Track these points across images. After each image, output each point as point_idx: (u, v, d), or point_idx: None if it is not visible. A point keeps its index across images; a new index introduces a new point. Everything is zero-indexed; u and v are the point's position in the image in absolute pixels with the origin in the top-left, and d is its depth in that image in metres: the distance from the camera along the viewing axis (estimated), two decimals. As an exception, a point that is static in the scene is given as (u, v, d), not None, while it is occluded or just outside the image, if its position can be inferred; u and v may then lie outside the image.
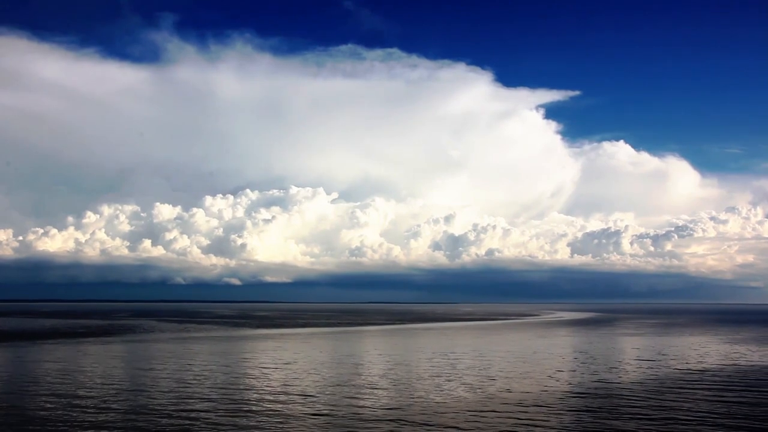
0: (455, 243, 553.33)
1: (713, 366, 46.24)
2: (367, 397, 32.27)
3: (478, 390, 34.35)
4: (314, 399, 31.52)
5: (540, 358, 51.78)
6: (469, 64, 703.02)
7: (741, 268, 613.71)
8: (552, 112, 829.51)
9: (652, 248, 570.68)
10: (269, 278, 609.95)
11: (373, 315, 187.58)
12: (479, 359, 50.18)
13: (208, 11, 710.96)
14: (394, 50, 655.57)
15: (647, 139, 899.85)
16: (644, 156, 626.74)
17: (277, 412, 28.07)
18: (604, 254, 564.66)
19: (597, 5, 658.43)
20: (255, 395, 32.59)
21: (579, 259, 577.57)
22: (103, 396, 32.24)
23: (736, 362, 49.09)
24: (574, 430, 24.87)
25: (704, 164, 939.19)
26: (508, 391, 34.10)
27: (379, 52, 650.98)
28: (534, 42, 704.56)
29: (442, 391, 34.17)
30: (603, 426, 25.55)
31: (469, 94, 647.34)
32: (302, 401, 30.88)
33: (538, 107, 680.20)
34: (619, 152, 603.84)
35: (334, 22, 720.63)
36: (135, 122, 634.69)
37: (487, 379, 38.74)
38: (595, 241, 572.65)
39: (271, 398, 31.72)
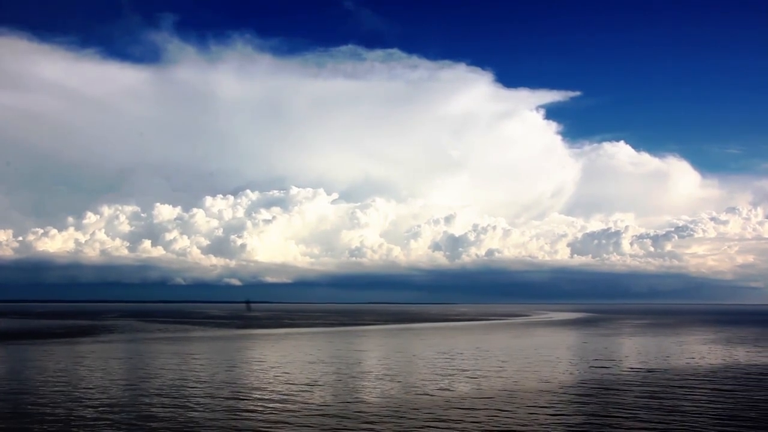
0: (455, 243, 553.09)
1: (664, 366, 46.39)
2: (299, 395, 32.67)
3: (414, 389, 34.68)
4: (247, 395, 31.98)
5: (498, 358, 51.92)
6: (469, 64, 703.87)
7: (741, 269, 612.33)
8: (552, 112, 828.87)
9: (652, 249, 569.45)
10: (269, 279, 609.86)
11: (365, 315, 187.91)
12: (437, 359, 50.45)
13: (208, 11, 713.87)
14: (395, 51, 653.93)
15: (647, 140, 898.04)
16: (644, 156, 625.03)
17: (208, 407, 28.53)
18: (605, 255, 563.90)
19: (597, 5, 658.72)
20: (192, 391, 32.96)
21: (579, 260, 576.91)
22: (44, 393, 32.72)
23: (691, 363, 49.20)
24: (486, 428, 25.17)
25: (704, 164, 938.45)
26: (444, 389, 34.44)
27: (379, 53, 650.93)
28: (534, 42, 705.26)
29: (378, 389, 34.57)
30: (516, 423, 25.84)
31: (469, 94, 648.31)
32: (235, 398, 31.31)
33: (538, 108, 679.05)
34: (620, 153, 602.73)
35: (334, 23, 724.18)
36: (135, 122, 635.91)
37: (432, 379, 39.01)
38: (596, 241, 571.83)
39: (204, 395, 32.12)
